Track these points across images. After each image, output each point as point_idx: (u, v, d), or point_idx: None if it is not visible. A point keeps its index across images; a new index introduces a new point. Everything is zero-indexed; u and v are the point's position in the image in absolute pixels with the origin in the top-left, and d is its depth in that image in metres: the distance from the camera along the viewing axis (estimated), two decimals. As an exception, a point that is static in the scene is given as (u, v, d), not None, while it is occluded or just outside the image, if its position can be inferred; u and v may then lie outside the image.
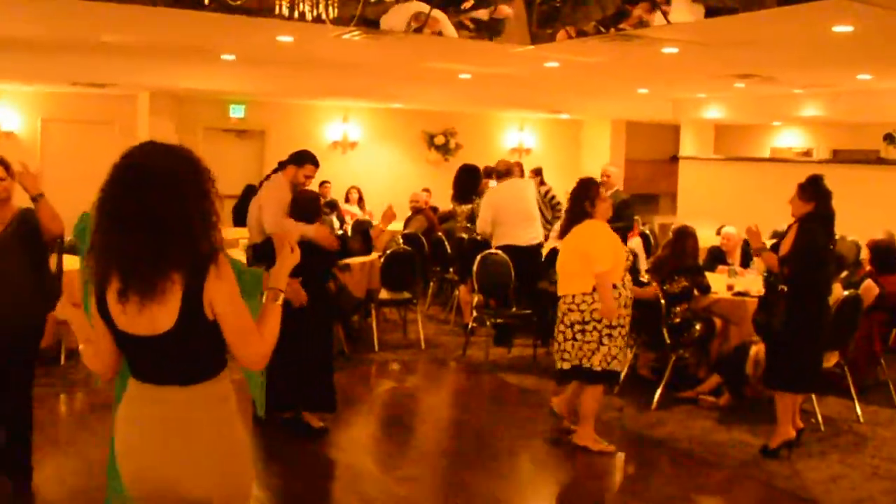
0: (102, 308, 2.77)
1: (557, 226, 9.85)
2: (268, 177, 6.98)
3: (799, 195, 6.07)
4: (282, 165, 6.96)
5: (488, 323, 9.01)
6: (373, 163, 16.84)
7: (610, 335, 6.05)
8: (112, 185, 2.66)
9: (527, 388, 8.01)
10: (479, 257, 8.94)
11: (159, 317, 2.69)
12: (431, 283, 11.48)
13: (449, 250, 10.85)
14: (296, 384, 6.34)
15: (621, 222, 8.68)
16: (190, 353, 2.75)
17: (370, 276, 9.15)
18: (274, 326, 2.84)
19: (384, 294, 9.42)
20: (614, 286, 6.03)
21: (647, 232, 12.06)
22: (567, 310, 6.11)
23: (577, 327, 6.07)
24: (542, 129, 18.72)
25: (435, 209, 13.21)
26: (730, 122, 16.82)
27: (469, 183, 10.23)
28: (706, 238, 10.15)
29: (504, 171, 9.51)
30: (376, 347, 9.09)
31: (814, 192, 6.03)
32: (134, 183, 2.63)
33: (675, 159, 17.25)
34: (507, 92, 14.38)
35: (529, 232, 9.21)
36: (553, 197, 11.33)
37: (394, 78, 12.68)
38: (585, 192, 6.22)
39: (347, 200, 14.41)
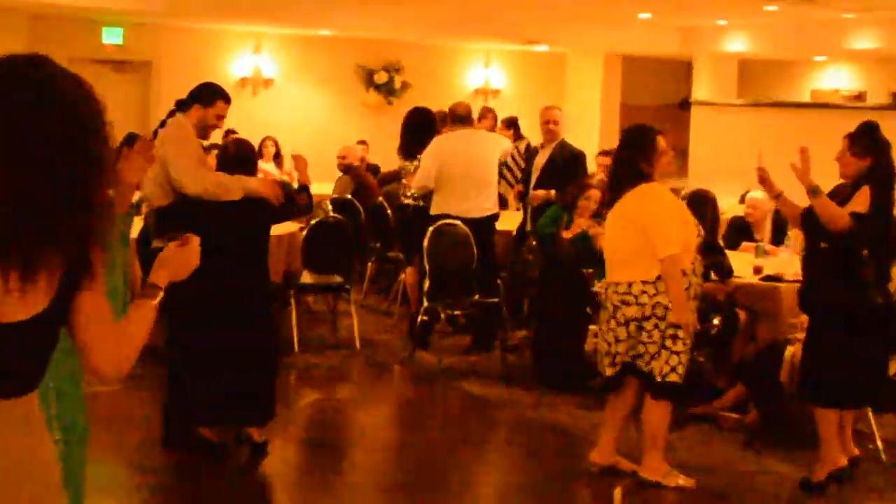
0: None
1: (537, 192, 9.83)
2: (163, 122, 6.90)
3: (850, 149, 6.07)
4: (181, 106, 6.88)
5: (443, 316, 9.00)
6: (293, 107, 16.76)
7: (675, 336, 6.02)
8: None
9: (492, 401, 8.01)
10: (431, 229, 8.92)
11: (26, 300, 2.56)
12: (369, 264, 11.45)
13: (392, 221, 10.82)
14: (226, 389, 6.31)
15: (572, 184, 8.80)
16: (41, 351, 2.66)
17: (288, 255, 9.10)
18: (143, 328, 2.79)
19: (307, 277, 9.38)
20: (684, 273, 5.99)
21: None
22: (620, 302, 6.05)
23: (633, 325, 6.03)
24: (515, 65, 18.72)
25: (374, 168, 13.16)
26: (757, 57, 16.93)
27: (421, 132, 10.14)
28: (727, 207, 10.21)
29: (460, 116, 9.47)
30: (296, 348, 9.06)
31: (869, 144, 6.03)
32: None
33: (685, 105, 17.31)
34: (469, 14, 14.35)
35: (481, 200, 9.23)
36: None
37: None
38: (640, 145, 6.15)
39: (261, 156, 14.30)
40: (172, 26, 15.65)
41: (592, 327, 8.05)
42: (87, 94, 2.60)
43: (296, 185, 7.61)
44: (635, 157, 6.10)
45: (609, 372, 6.17)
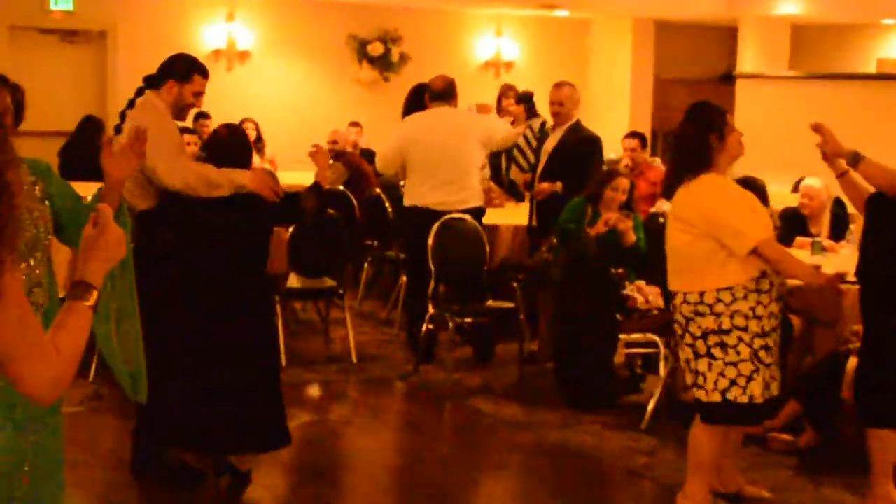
0: None
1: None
2: (131, 102, 6.88)
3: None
4: (151, 83, 6.85)
5: (451, 325, 9.00)
6: (273, 84, 16.73)
7: (766, 347, 5.96)
8: None
9: (509, 421, 8.02)
10: (436, 225, 8.93)
11: None
12: (365, 266, 11.46)
13: (391, 215, 10.83)
14: (219, 411, 6.28)
15: (594, 174, 8.92)
16: None
17: (272, 255, 9.08)
18: (77, 337, 2.73)
19: (294, 281, 9.40)
20: (763, 273, 5.93)
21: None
22: (693, 313, 6.00)
23: (712, 339, 5.98)
24: (530, 33, 18.71)
25: (369, 154, 13.16)
26: (814, 21, 16.92)
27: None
28: (778, 196, 10.18)
29: (437, 92, 9.46)
30: (283, 362, 9.04)
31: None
32: None
33: (729, 78, 17.32)
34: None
35: (455, 190, 9.26)
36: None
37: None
38: (709, 122, 6.10)
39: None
40: (130, -11, 15.62)
41: (623, 336, 8.06)
42: None
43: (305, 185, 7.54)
44: (704, 135, 6.05)
45: (696, 394, 6.08)
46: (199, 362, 6.18)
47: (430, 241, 8.87)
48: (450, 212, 9.12)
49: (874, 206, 6.14)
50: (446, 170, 9.19)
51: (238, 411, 6.26)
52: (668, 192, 6.29)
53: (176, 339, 6.19)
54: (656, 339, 7.88)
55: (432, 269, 8.87)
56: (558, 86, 9.81)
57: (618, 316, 8.00)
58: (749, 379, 5.91)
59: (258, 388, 6.39)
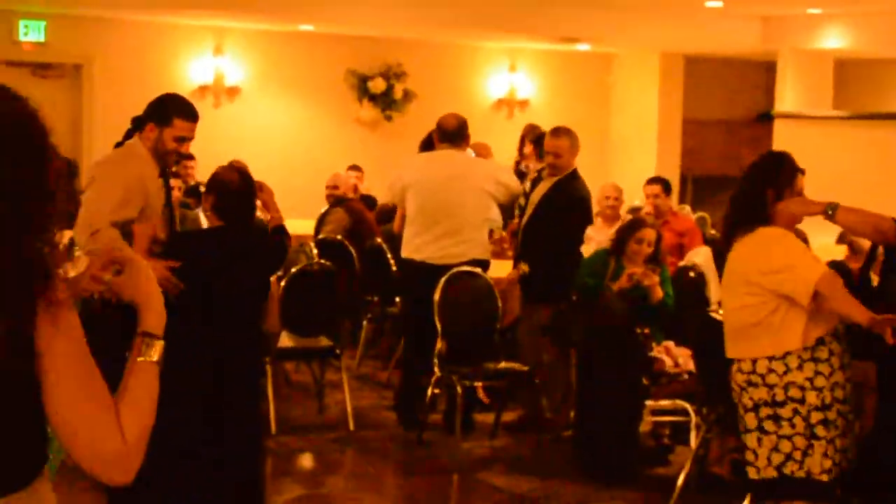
0: None
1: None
2: (118, 145, 6.95)
3: None
4: (136, 125, 6.92)
5: (459, 389, 8.98)
6: (265, 123, 16.80)
7: (825, 421, 5.95)
8: None
9: (524, 496, 8.00)
10: (443, 279, 8.95)
11: None
12: (364, 323, 11.46)
13: (393, 268, 10.84)
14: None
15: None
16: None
17: (267, 312, 9.10)
18: (148, 403, 2.72)
19: (286, 340, 9.40)
20: (821, 341, 5.95)
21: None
22: (746, 383, 6.05)
23: (764, 411, 6.01)
24: (547, 68, 18.80)
25: (370, 200, 13.18)
26: (859, 56, 16.96)
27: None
28: (822, 248, 10.17)
29: (447, 133, 9.46)
30: (273, 428, 9.06)
31: None
32: None
33: (766, 118, 17.37)
34: (491, 5, 14.43)
35: (452, 245, 9.29)
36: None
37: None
38: (778, 177, 6.12)
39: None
40: (108, 19, 15.59)
41: (649, 403, 8.05)
42: (30, 116, 2.78)
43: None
44: (761, 189, 6.09)
45: (750, 473, 6.09)
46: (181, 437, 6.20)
47: (437, 296, 8.87)
48: (448, 266, 9.14)
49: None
50: (445, 221, 9.22)
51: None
52: (724, 246, 6.30)
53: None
54: (686, 405, 7.88)
55: (438, 326, 8.87)
56: (556, 133, 9.64)
57: (644, 380, 7.98)
58: (804, 454, 5.92)
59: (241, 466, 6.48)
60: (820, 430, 5.91)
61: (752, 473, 6.06)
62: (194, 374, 6.10)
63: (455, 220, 9.23)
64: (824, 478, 5.93)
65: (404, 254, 9.43)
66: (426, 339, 9.02)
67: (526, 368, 8.99)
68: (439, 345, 8.93)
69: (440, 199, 9.23)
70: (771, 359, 5.95)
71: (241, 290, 6.39)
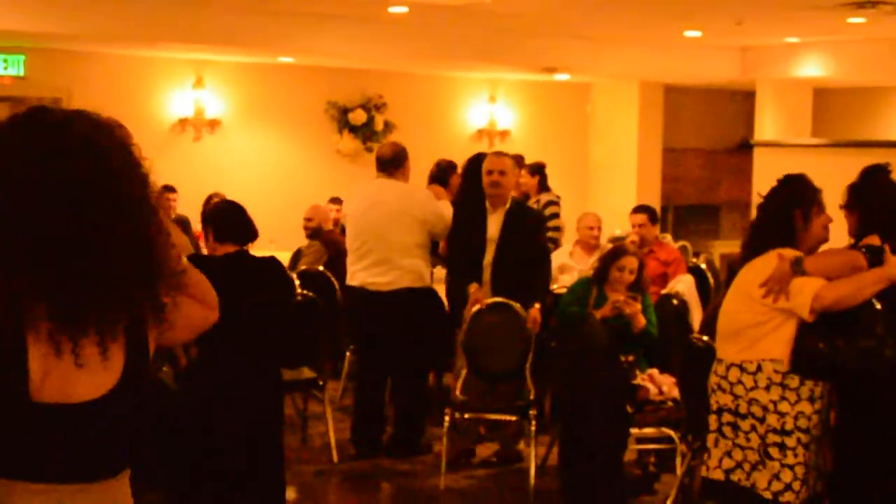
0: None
1: (557, 254, 9.84)
2: None
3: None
4: None
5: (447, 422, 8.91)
6: (246, 155, 16.75)
7: (782, 446, 5.92)
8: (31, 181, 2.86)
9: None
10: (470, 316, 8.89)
11: (99, 373, 2.97)
12: (347, 354, 11.41)
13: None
14: None
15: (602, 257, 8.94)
16: (121, 430, 3.05)
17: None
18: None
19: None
20: None
21: (703, 266, 12.11)
22: (716, 386, 6.10)
23: (725, 417, 6.03)
24: (526, 98, 18.83)
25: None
26: (838, 84, 17.01)
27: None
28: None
29: (381, 161, 9.57)
30: (255, 462, 8.99)
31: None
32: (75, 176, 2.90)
33: (746, 147, 17.39)
34: (470, 37, 14.44)
35: (382, 273, 9.35)
36: (555, 214, 11.31)
37: (282, 12, 12.69)
38: (801, 200, 6.15)
39: (205, 217, 14.29)
40: (87, 53, 15.54)
41: (634, 431, 8.01)
42: (135, 149, 3.07)
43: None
44: (789, 211, 6.12)
45: (703, 472, 6.15)
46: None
47: (461, 337, 8.85)
48: (379, 293, 9.29)
49: None
50: (376, 249, 9.32)
51: None
52: (742, 260, 6.26)
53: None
54: (671, 433, 7.85)
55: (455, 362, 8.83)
56: (498, 153, 9.50)
57: (628, 408, 7.95)
58: (753, 467, 5.97)
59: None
60: (774, 452, 5.92)
61: (702, 470, 6.16)
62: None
63: (384, 248, 9.30)
64: (767, 495, 5.95)
65: (350, 280, 9.58)
66: (374, 363, 9.41)
67: (531, 402, 8.87)
68: (463, 374, 8.89)
69: (367, 228, 9.38)
70: (742, 369, 5.97)
71: (253, 317, 6.44)
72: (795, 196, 6.16)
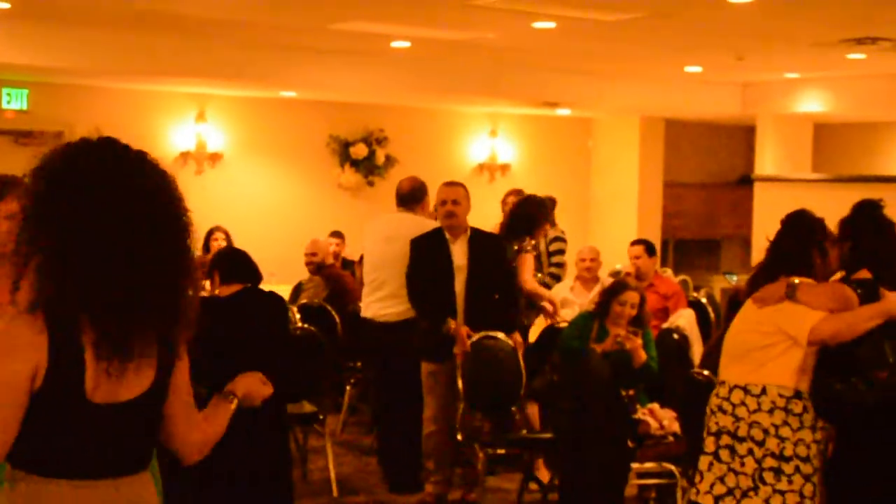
0: (67, 366, 3.34)
1: (558, 288, 9.85)
2: None
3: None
4: None
5: (481, 455, 8.85)
6: (247, 189, 16.73)
7: (777, 471, 5.88)
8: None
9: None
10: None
11: (142, 373, 3.43)
12: (347, 388, 11.41)
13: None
14: None
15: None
16: (152, 427, 3.55)
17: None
18: (220, 426, 3.76)
19: (268, 406, 9.30)
20: (800, 395, 5.90)
21: (703, 300, 12.11)
22: (717, 407, 6.06)
23: (724, 440, 6.00)
24: (527, 132, 18.83)
25: (352, 265, 13.13)
26: (839, 120, 17.02)
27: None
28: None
29: (401, 196, 9.65)
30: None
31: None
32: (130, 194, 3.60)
33: (746, 181, 17.40)
34: (472, 71, 14.46)
35: (395, 304, 9.38)
36: (560, 251, 11.29)
37: (284, 47, 12.70)
38: (816, 234, 6.15)
39: (208, 251, 14.20)
40: (90, 87, 15.54)
41: (635, 465, 7.99)
42: (171, 176, 3.76)
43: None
44: (808, 247, 6.11)
45: (691, 495, 6.12)
46: None
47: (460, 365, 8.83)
48: (388, 324, 9.35)
49: None
50: (390, 281, 9.34)
51: None
52: (751, 288, 6.21)
53: None
54: (672, 468, 7.82)
55: (460, 390, 8.81)
56: (450, 183, 9.37)
57: (629, 442, 7.93)
58: (744, 494, 5.91)
59: None
60: (768, 477, 5.87)
61: (691, 494, 6.14)
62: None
63: (397, 281, 9.27)
64: None
65: (361, 313, 9.71)
66: (393, 396, 9.38)
67: (549, 435, 8.82)
68: (461, 408, 8.88)
69: (381, 260, 9.46)
70: (746, 391, 5.94)
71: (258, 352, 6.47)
72: (813, 233, 6.17)
